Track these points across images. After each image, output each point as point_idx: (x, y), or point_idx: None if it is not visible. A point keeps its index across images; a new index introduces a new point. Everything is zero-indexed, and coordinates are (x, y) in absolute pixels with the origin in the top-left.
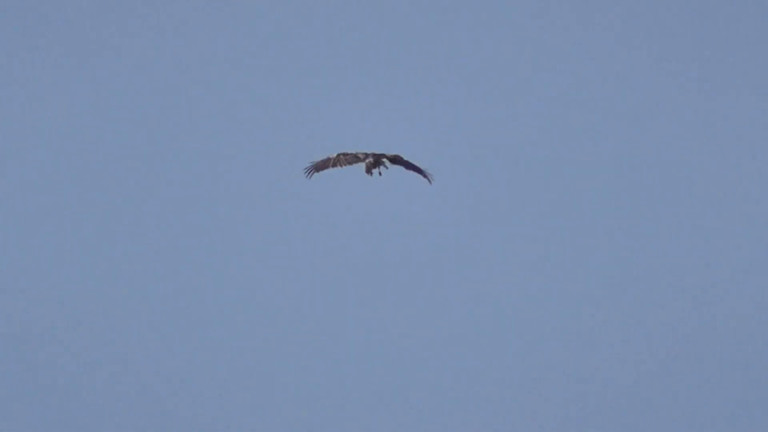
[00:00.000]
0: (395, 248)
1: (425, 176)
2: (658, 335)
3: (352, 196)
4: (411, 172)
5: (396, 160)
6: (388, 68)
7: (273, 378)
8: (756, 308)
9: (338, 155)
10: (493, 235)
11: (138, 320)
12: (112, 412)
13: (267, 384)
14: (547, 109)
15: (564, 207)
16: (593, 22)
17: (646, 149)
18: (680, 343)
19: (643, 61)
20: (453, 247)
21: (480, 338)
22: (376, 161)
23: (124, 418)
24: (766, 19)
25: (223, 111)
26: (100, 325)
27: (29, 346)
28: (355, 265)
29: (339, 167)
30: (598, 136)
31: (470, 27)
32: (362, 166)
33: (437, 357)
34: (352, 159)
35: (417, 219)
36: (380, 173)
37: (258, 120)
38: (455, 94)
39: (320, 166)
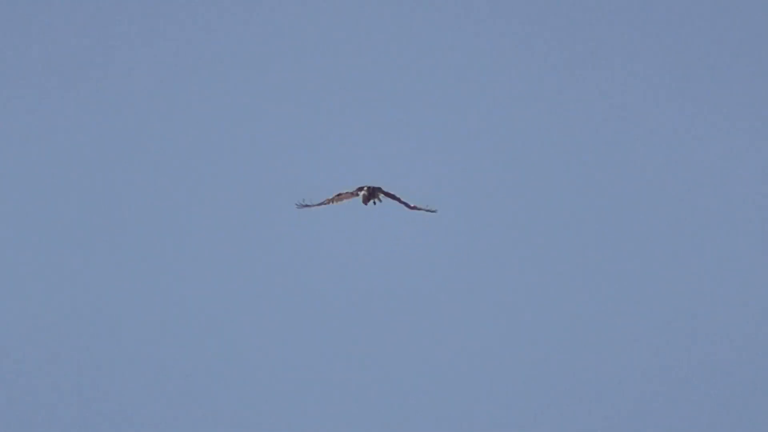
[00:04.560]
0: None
1: (423, 208)
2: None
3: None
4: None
5: (385, 194)
6: (382, 104)
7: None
8: (756, 310)
9: (335, 195)
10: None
11: (131, 335)
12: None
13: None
14: (544, 126)
15: (561, 222)
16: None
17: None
18: (680, 350)
19: (638, 65)
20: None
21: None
22: (371, 193)
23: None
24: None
25: (209, 146)
26: (92, 331)
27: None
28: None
29: (334, 203)
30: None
31: (459, 61)
32: (358, 199)
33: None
34: (348, 196)
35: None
36: (374, 203)
37: (249, 154)
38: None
39: (315, 204)
